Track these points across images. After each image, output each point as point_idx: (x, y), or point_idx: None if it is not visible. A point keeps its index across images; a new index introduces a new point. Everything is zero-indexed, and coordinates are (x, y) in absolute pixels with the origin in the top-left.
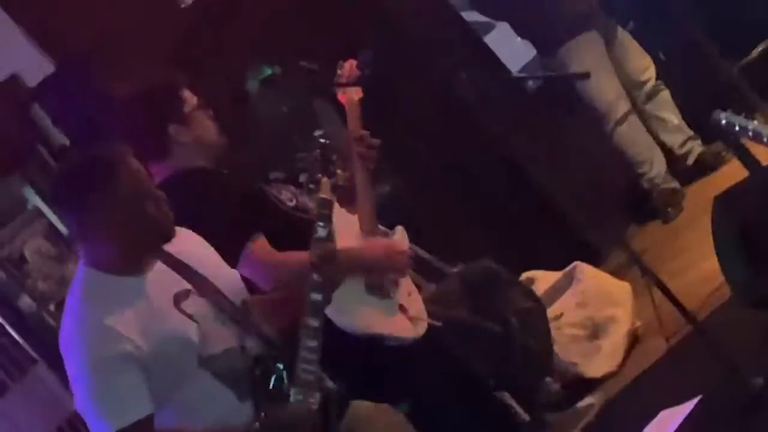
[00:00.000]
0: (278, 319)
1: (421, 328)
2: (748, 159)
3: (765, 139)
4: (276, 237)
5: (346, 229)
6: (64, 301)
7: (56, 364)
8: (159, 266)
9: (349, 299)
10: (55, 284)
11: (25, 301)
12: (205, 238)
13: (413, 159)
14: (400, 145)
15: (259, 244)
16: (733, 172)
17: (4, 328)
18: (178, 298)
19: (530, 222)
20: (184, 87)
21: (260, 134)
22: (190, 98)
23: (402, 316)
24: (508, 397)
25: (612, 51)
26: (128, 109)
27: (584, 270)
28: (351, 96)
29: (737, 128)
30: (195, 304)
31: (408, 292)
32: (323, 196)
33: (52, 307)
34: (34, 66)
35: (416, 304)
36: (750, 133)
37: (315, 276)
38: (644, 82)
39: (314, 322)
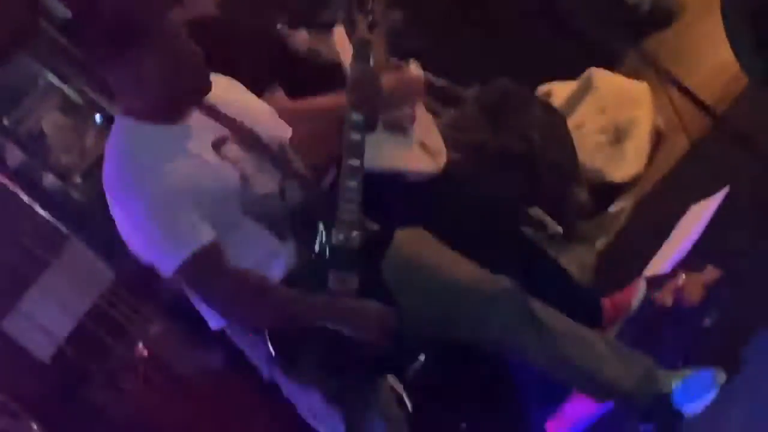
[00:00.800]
0: (315, 157)
1: (441, 161)
2: None
3: None
4: (293, 82)
5: None
6: (89, 172)
7: (89, 236)
8: (196, 114)
9: (368, 138)
10: (77, 155)
11: (50, 179)
12: None
13: None
14: None
15: (277, 97)
16: None
17: (32, 208)
18: (217, 144)
19: (540, 32)
20: None
21: None
22: None
23: (421, 151)
24: (539, 212)
25: None
26: None
27: (600, 75)
28: None
29: None
30: (234, 150)
31: (427, 128)
32: (361, 35)
33: (78, 180)
34: None
35: (435, 137)
36: None
37: (354, 116)
38: None
39: (355, 162)
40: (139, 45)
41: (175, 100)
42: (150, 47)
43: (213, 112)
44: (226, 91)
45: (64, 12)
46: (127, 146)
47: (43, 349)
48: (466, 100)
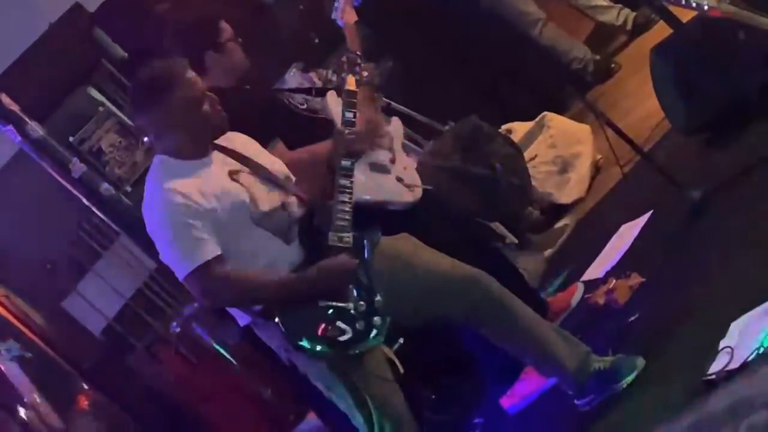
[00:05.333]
0: (310, 187)
1: (417, 193)
2: (671, 18)
3: (683, 2)
4: (293, 135)
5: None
6: (137, 182)
7: (135, 234)
8: (217, 154)
9: (356, 176)
10: (128, 169)
11: (105, 187)
12: None
13: (408, 41)
14: (398, 30)
15: (278, 149)
16: (662, 31)
17: (91, 210)
18: (232, 173)
19: (506, 82)
20: (222, 19)
21: (279, 37)
22: (226, 29)
23: (400, 185)
24: (500, 226)
25: None
26: (175, 33)
27: (552, 117)
28: (348, 19)
29: None
30: (246, 178)
31: (403, 167)
32: (350, 88)
33: (128, 188)
34: None
35: (411, 173)
36: None
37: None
38: None
39: (346, 182)
40: (166, 93)
41: (196, 138)
42: (174, 96)
43: (232, 153)
44: (244, 144)
45: (122, 54)
46: (159, 175)
47: (95, 324)
48: (443, 133)
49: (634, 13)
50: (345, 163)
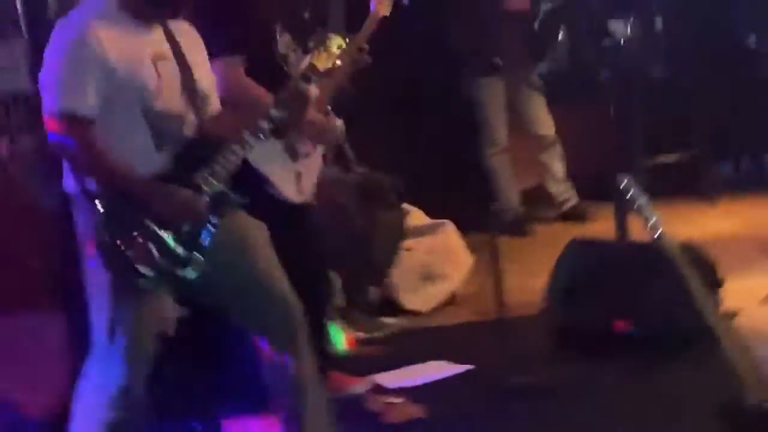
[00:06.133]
0: (220, 126)
1: (300, 198)
2: (621, 226)
3: (644, 217)
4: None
5: None
6: None
7: None
8: (158, 30)
9: (265, 142)
10: None
11: None
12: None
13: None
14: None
15: (232, 68)
16: (593, 228)
17: None
18: (157, 57)
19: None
20: None
21: None
22: None
23: (294, 180)
24: (338, 281)
25: (517, 102)
26: None
27: (448, 229)
28: (380, 9)
29: (629, 196)
30: (165, 69)
31: (310, 168)
32: (315, 63)
33: None
34: None
35: (310, 180)
36: (635, 206)
37: (273, 111)
38: (543, 136)
39: (251, 138)
40: None
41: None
42: None
43: (171, 39)
44: (191, 42)
45: None
46: (92, 9)
47: None
48: (356, 172)
49: (576, 203)
50: (262, 123)
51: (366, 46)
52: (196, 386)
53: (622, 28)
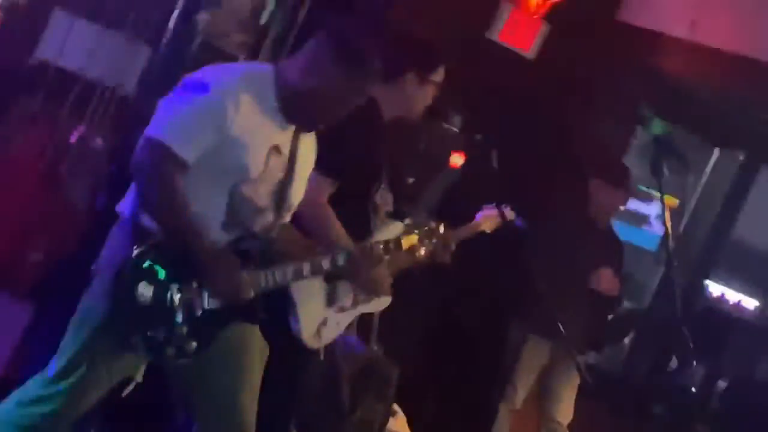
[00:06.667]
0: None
1: (312, 343)
2: None
3: None
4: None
5: None
6: None
7: None
8: (290, 131)
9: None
10: None
11: None
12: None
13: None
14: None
15: (321, 188)
16: None
17: None
18: (275, 149)
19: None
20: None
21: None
22: (440, 74)
23: (317, 324)
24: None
25: (552, 375)
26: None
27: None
28: (484, 224)
29: None
30: (276, 164)
31: (339, 322)
32: (402, 241)
33: None
34: None
35: (332, 332)
36: None
37: (340, 256)
38: (556, 422)
39: (301, 268)
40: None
41: (322, 111)
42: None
43: (293, 143)
44: (307, 151)
45: None
46: (246, 77)
47: None
48: (370, 349)
49: None
50: (327, 262)
51: (452, 248)
52: None
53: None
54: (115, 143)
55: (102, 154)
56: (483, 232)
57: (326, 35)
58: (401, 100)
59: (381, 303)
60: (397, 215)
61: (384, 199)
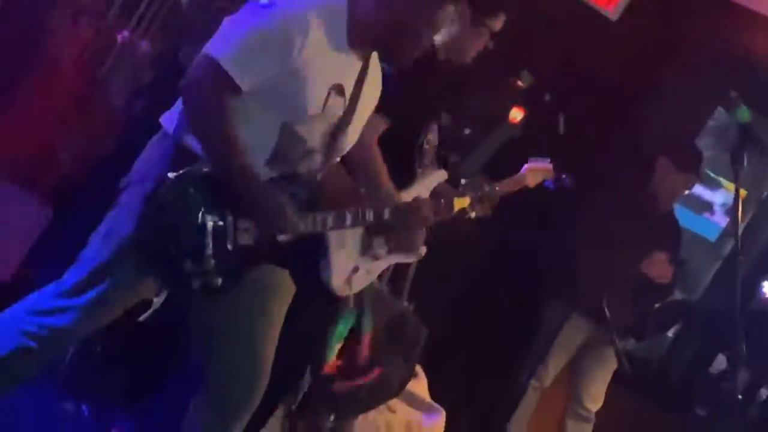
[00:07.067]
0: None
1: (339, 291)
2: None
3: None
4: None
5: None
6: None
7: None
8: (357, 66)
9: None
10: None
11: None
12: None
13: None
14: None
15: (376, 130)
16: None
17: None
18: (336, 89)
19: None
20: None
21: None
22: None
23: (348, 272)
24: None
25: (587, 358)
26: None
27: (438, 420)
28: (528, 179)
29: None
30: (335, 105)
31: (369, 271)
32: (454, 203)
33: None
34: None
35: (361, 282)
36: None
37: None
38: (585, 407)
39: (349, 217)
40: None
41: (384, 36)
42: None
43: (359, 83)
44: (371, 92)
45: None
46: (326, 10)
47: None
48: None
49: None
50: (371, 214)
51: (496, 201)
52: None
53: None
54: (163, 49)
55: (147, 59)
56: (527, 187)
57: None
58: (453, 38)
59: (416, 254)
60: (444, 164)
61: (431, 143)
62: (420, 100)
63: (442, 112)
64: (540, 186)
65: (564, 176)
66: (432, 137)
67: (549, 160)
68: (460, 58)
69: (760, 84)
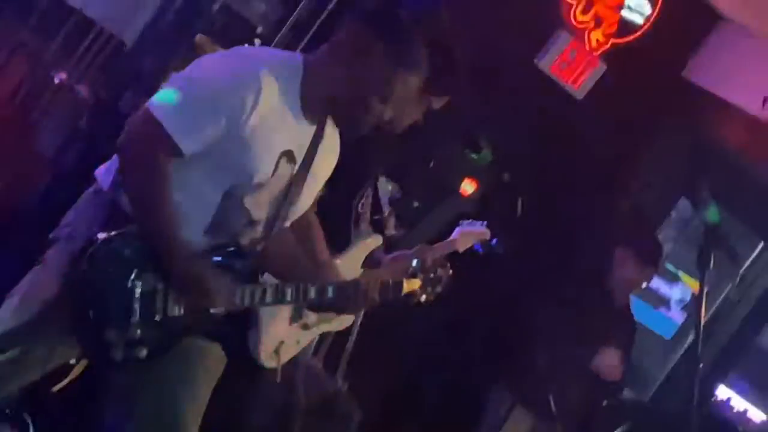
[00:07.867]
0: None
1: (266, 362)
2: None
3: None
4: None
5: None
6: None
7: None
8: (309, 132)
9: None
10: None
11: None
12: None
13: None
14: None
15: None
16: None
17: None
18: (286, 155)
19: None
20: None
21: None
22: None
23: (275, 343)
24: None
25: None
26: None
27: None
28: (458, 242)
29: None
30: (284, 172)
31: (298, 340)
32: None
33: None
34: None
35: (292, 351)
36: None
37: (329, 291)
38: None
39: (291, 288)
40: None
41: (347, 113)
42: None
43: (312, 148)
44: (326, 162)
45: None
46: (277, 61)
47: None
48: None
49: None
50: (313, 292)
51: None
52: None
53: None
54: (101, 96)
55: (83, 104)
56: (456, 252)
57: (364, 18)
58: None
59: (343, 322)
60: (380, 229)
61: (366, 208)
62: (356, 163)
63: (378, 175)
64: (486, 261)
65: (494, 240)
66: (367, 201)
67: (485, 223)
68: (392, 127)
69: (730, 179)
